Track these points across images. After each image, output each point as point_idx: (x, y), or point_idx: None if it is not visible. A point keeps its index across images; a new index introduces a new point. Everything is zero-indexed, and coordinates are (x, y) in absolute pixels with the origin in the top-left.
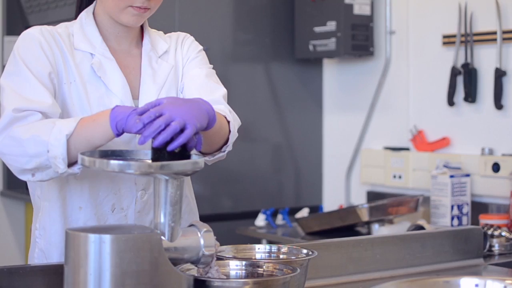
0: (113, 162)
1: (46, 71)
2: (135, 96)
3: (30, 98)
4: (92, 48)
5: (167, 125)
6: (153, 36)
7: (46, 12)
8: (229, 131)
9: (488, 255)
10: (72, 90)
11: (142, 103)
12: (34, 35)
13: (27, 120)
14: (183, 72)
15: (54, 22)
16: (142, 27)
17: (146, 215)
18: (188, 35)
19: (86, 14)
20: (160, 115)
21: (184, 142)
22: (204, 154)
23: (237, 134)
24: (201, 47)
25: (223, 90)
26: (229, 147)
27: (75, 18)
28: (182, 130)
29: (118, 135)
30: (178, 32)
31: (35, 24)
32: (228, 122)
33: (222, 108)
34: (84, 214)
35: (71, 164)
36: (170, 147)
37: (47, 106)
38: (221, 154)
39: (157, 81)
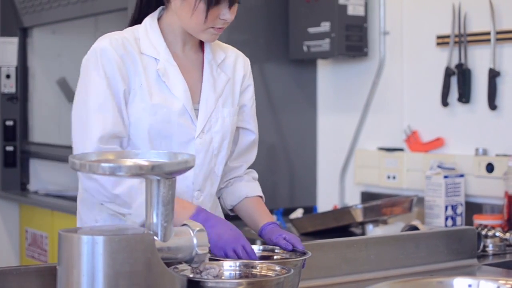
0: (104, 164)
1: (121, 88)
2: (195, 100)
3: (108, 122)
4: (157, 53)
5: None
6: (212, 44)
7: (40, 13)
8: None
9: (482, 255)
10: (137, 94)
11: (202, 109)
12: (107, 50)
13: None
14: (241, 92)
15: (49, 23)
16: None
17: None
18: (248, 60)
19: (151, 20)
20: None
21: None
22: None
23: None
24: (252, 75)
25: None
26: None
27: (133, 19)
28: None
29: None
30: (239, 52)
31: (30, 25)
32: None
33: (258, 187)
34: None
35: None
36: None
37: (120, 130)
38: None
39: (216, 90)
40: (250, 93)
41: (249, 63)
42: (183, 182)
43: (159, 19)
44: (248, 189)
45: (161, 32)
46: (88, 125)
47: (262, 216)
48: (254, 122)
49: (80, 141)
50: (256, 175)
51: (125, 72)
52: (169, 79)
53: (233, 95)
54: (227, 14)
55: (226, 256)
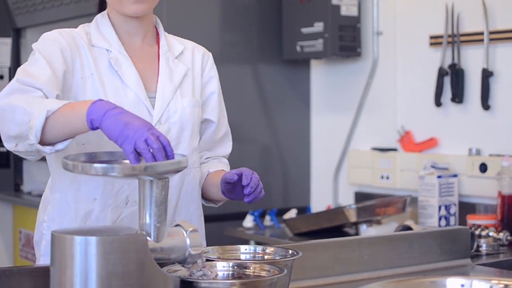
0: (97, 165)
1: (61, 68)
2: (151, 90)
3: (33, 74)
4: (108, 45)
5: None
6: (168, 37)
7: (33, 13)
8: None
9: (476, 255)
10: (88, 83)
11: (159, 100)
12: (53, 35)
13: (29, 94)
14: (202, 87)
15: (42, 24)
16: (157, 29)
17: None
18: (210, 53)
19: (101, 16)
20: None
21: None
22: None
23: None
24: (215, 68)
25: (231, 146)
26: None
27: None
28: None
29: (94, 129)
30: (200, 46)
31: (23, 25)
32: None
33: (223, 165)
34: (98, 206)
35: (46, 143)
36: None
37: (43, 82)
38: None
39: (173, 80)
40: (213, 85)
41: (211, 56)
42: None
43: (108, 14)
44: (210, 165)
45: (113, 26)
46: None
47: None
48: (219, 113)
49: None
50: (225, 161)
51: (69, 57)
52: (121, 68)
53: (193, 86)
54: None
55: (135, 148)
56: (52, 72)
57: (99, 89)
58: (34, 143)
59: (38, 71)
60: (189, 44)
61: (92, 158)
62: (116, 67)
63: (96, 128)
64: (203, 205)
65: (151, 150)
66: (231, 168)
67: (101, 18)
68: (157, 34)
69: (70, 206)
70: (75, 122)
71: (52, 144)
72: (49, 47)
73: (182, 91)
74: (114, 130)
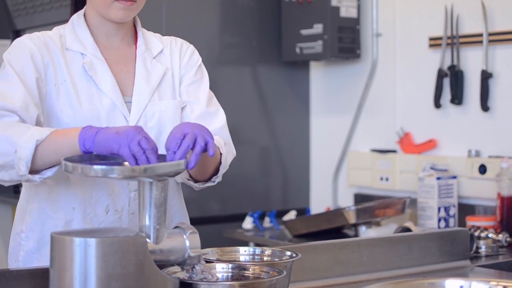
0: (96, 167)
1: (33, 77)
2: (127, 93)
3: (6, 95)
4: (83, 48)
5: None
6: (147, 36)
7: (33, 15)
8: (220, 162)
9: (475, 256)
10: (61, 91)
11: (135, 103)
12: (23, 42)
13: (4, 119)
14: (180, 82)
15: (41, 26)
16: (135, 27)
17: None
18: (190, 45)
19: (77, 16)
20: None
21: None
22: (194, 181)
23: (227, 167)
24: (200, 59)
25: (222, 119)
26: (218, 178)
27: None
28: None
29: (86, 152)
30: (180, 39)
31: (22, 27)
32: (221, 154)
33: (217, 139)
34: (77, 215)
35: (33, 171)
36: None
37: (17, 105)
38: (210, 184)
39: (150, 83)
40: (192, 71)
41: (190, 47)
42: (118, 183)
43: (85, 14)
44: None
45: (88, 27)
46: None
47: None
48: (202, 98)
49: None
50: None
51: (40, 64)
52: (96, 74)
53: (173, 87)
54: None
55: (131, 152)
56: (25, 88)
57: (72, 96)
58: (25, 173)
59: (11, 91)
60: (167, 41)
61: (92, 159)
62: (91, 73)
63: (87, 151)
64: (201, 207)
65: (144, 152)
66: (231, 172)
67: (77, 19)
68: (136, 33)
69: (50, 216)
70: (64, 148)
71: (38, 171)
72: (19, 55)
73: (161, 93)
74: (107, 141)
